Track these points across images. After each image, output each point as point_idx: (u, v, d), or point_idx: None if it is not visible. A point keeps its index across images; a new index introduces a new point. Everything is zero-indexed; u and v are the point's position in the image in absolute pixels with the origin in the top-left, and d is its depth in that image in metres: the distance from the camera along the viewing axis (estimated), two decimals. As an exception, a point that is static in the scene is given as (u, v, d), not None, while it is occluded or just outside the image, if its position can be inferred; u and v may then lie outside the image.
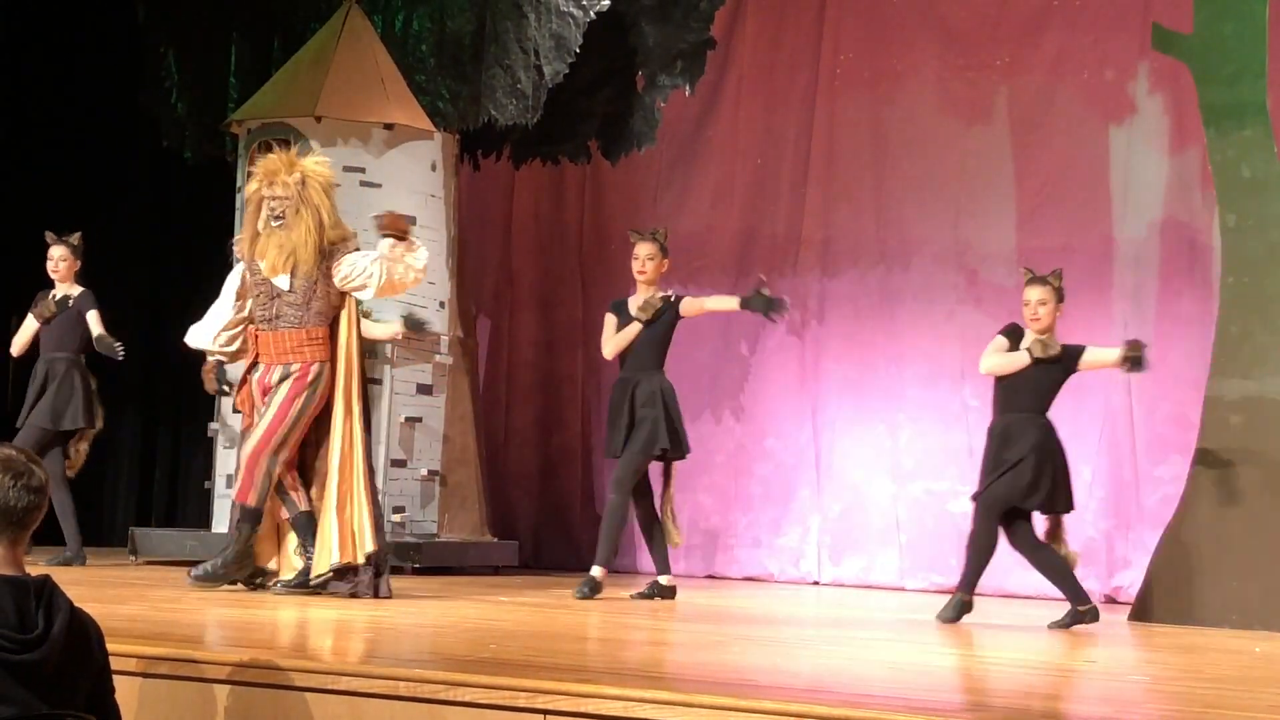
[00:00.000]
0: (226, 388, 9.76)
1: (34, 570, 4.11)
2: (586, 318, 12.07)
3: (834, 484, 11.59)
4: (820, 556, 11.58)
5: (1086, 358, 8.26)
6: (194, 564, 8.49)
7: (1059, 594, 8.35)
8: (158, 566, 9.99)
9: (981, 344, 8.53)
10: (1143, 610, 9.05)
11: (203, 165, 11.38)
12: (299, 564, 8.06)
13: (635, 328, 9.00)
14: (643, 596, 8.99)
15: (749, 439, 11.85)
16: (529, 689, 4.66)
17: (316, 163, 8.19)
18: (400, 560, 10.03)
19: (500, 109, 10.60)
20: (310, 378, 8.01)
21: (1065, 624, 8.14)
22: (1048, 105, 11.27)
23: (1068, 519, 8.33)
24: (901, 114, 11.62)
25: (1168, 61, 10.32)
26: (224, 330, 8.26)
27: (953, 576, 9.06)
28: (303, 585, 7.94)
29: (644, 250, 9.07)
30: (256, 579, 8.15)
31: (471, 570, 10.68)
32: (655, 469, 9.04)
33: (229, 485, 9.80)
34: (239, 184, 10.29)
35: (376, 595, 7.92)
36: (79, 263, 9.98)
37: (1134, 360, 8.24)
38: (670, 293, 9.18)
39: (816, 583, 11.53)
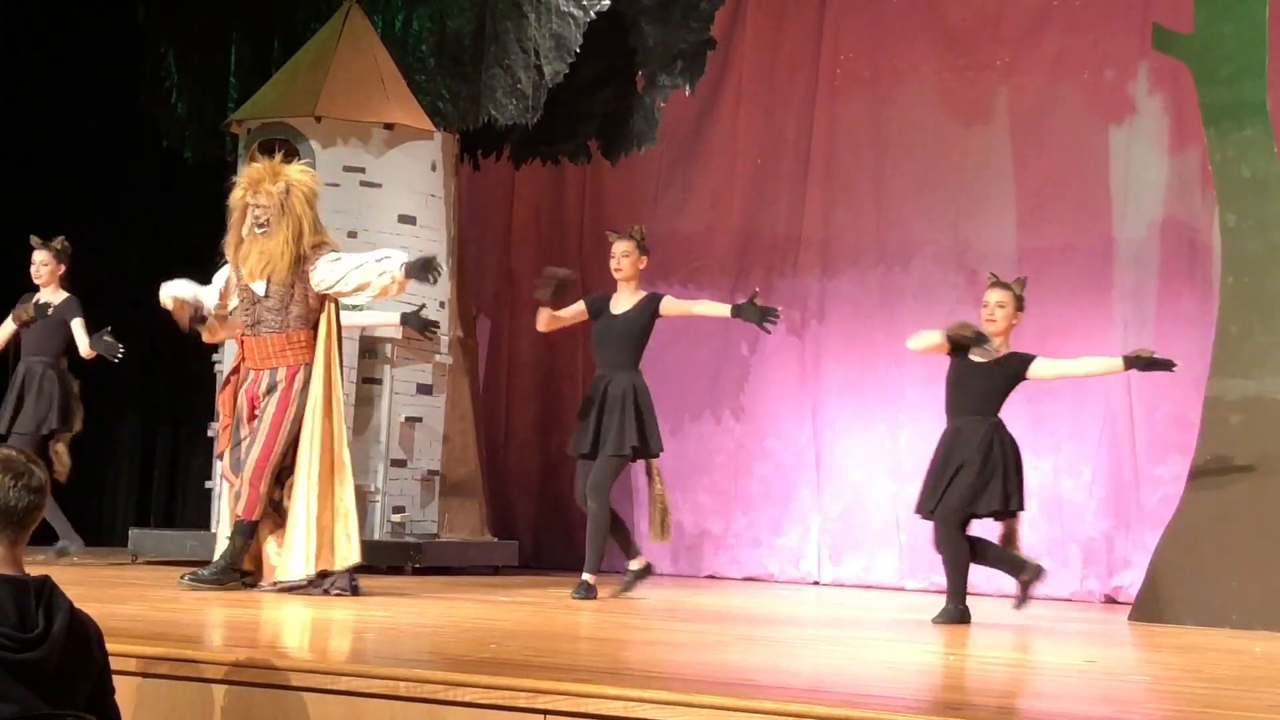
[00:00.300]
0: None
1: (34, 569, 4.12)
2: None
3: (834, 484, 11.58)
4: (820, 556, 11.57)
5: (1039, 368, 8.19)
6: (194, 564, 8.49)
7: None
8: (157, 566, 9.99)
9: (982, 344, 8.52)
10: (1143, 610, 9.05)
11: (203, 165, 11.37)
12: (275, 564, 8.11)
13: (577, 308, 9.02)
14: (624, 589, 8.98)
15: (749, 439, 11.85)
16: (529, 689, 4.66)
17: (301, 171, 8.21)
18: (400, 560, 10.05)
19: (500, 109, 10.60)
20: (297, 386, 8.04)
21: (1022, 598, 8.16)
22: (1048, 105, 11.26)
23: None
24: (901, 114, 11.61)
25: (1168, 61, 10.32)
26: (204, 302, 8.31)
27: (953, 576, 9.05)
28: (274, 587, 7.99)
29: (619, 248, 9.06)
30: (245, 579, 8.18)
31: (471, 570, 10.68)
32: (637, 468, 8.97)
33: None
34: (238, 184, 10.29)
35: (355, 594, 7.94)
36: (63, 267, 9.96)
37: (1142, 361, 8.25)
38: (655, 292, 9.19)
39: (816, 583, 11.52)
